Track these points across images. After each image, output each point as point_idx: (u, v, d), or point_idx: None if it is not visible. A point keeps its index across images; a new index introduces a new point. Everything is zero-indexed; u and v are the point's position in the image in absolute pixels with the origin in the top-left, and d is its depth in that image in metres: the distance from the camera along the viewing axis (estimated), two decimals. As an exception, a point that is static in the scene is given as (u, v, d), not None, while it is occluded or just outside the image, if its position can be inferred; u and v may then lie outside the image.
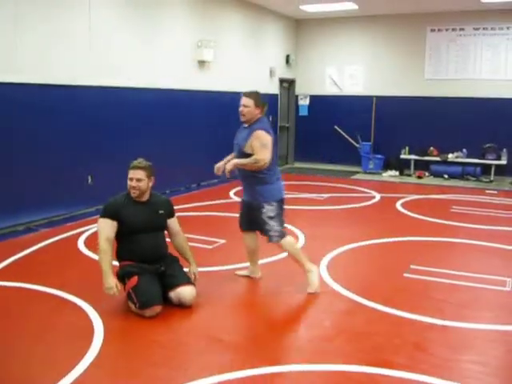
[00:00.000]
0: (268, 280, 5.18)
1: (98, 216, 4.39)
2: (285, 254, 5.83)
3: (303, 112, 14.01)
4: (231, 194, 9.48)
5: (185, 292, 4.35)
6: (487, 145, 11.96)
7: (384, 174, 12.57)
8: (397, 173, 12.58)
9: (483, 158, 12.02)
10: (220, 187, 10.16)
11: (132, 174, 4.40)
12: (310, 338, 3.98)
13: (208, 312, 4.35)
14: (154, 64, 8.87)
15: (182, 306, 4.36)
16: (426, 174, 12.40)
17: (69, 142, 7.45)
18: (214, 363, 3.52)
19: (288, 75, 13.64)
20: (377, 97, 13.05)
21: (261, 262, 5.58)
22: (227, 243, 6.31)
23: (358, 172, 12.84)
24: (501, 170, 11.92)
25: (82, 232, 6.69)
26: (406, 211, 8.36)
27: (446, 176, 12.14)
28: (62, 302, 4.47)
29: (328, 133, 13.35)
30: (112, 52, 8.03)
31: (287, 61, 13.43)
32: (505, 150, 11.86)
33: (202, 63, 10.06)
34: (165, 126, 9.22)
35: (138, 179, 4.37)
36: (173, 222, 4.66)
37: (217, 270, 5.35)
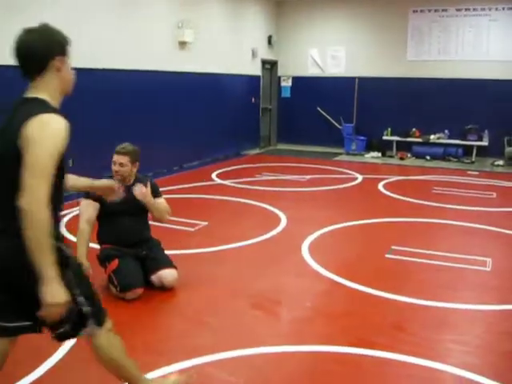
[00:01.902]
0: (250, 262, 5.18)
1: (81, 198, 4.35)
2: (263, 238, 5.86)
3: (285, 93, 13.95)
4: (213, 176, 9.45)
5: (166, 274, 4.33)
6: (469, 126, 12.02)
7: (366, 156, 12.59)
8: (379, 154, 12.60)
9: (465, 139, 12.08)
10: (202, 169, 10.12)
11: (116, 158, 4.34)
12: (292, 319, 4.00)
13: (189, 294, 4.34)
14: (133, 45, 8.74)
15: (164, 289, 4.34)
16: (408, 155, 12.43)
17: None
18: (195, 346, 3.52)
19: (270, 56, 13.56)
20: (359, 78, 13.02)
21: (241, 243, 5.60)
22: (209, 225, 6.29)
23: (340, 153, 12.84)
24: (482, 151, 11.98)
25: (64, 215, 6.63)
26: (387, 192, 8.39)
27: (427, 157, 12.18)
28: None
29: (310, 114, 13.32)
30: (90, 33, 7.90)
31: (269, 42, 13.34)
32: (486, 131, 11.92)
33: (182, 44, 9.95)
34: (146, 108, 9.13)
35: (121, 164, 4.31)
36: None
37: (199, 252, 5.34)
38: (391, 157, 12.50)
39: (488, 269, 5.07)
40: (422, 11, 12.45)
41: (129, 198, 4.28)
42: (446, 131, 12.33)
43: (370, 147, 12.81)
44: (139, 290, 4.19)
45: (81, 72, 8.02)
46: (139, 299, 4.18)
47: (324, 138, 13.31)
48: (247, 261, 5.21)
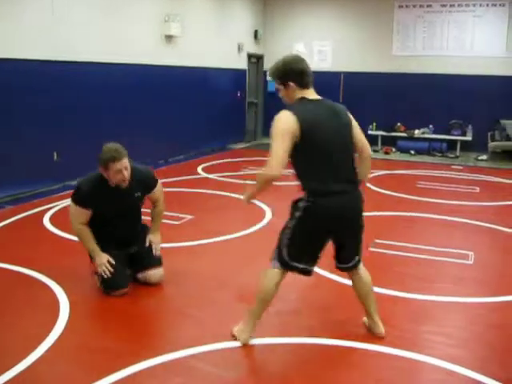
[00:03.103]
0: (235, 255, 5.21)
1: (70, 199, 4.15)
2: (248, 231, 5.88)
3: (272, 88, 13.88)
4: (199, 169, 9.46)
5: (151, 275, 4.31)
6: (453, 121, 12.13)
7: (351, 150, 12.62)
8: (364, 149, 12.64)
9: (449, 133, 12.19)
10: (187, 163, 10.12)
11: (119, 165, 3.88)
12: (277, 311, 4.02)
13: (175, 287, 4.36)
14: (119, 39, 8.71)
15: (149, 283, 4.36)
16: (393, 149, 12.52)
17: (33, 118, 7.31)
18: (180, 338, 3.54)
19: (256, 50, 13.56)
20: (344, 73, 13.07)
21: (226, 237, 5.63)
22: (195, 219, 6.30)
23: (326, 148, 12.85)
24: (466, 146, 12.10)
25: (48, 209, 6.61)
26: (372, 186, 8.44)
27: (412, 152, 12.27)
28: (26, 279, 4.43)
29: (296, 109, 13.31)
30: (76, 26, 7.86)
31: (255, 36, 13.34)
32: (470, 126, 12.04)
33: (169, 38, 9.93)
34: (131, 101, 9.11)
35: (126, 167, 3.94)
36: (152, 195, 4.39)
37: (185, 246, 5.36)
38: (376, 151, 12.53)
39: (470, 262, 5.14)
40: (407, 6, 12.52)
41: (124, 200, 4.16)
42: (431, 126, 12.43)
43: (355, 142, 12.83)
44: (123, 291, 4.16)
45: (66, 65, 8.07)
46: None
47: (309, 132, 13.31)
48: (232, 254, 5.23)
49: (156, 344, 3.47)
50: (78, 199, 4.05)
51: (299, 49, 13.50)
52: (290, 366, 3.30)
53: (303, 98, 3.27)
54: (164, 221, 6.04)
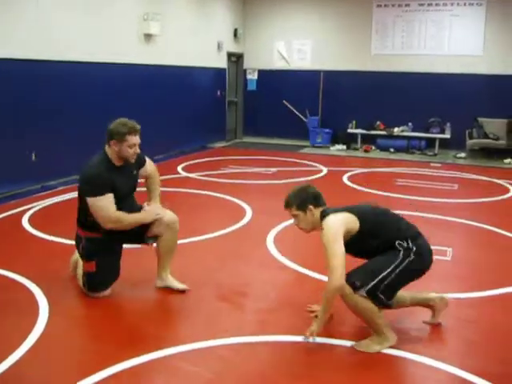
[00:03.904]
0: (215, 254, 5.21)
1: (87, 195, 3.85)
2: (228, 230, 5.89)
3: (251, 86, 13.98)
4: (179, 169, 9.44)
5: (166, 218, 4.14)
6: (431, 119, 12.24)
7: (332, 148, 12.71)
8: (344, 147, 12.74)
9: (428, 131, 12.30)
10: (168, 162, 10.09)
11: (136, 139, 3.91)
12: (257, 310, 4.04)
13: (154, 287, 4.34)
14: (97, 37, 8.65)
15: (128, 281, 4.34)
16: (373, 147, 12.60)
17: (11, 118, 7.24)
18: (160, 338, 3.54)
19: (236, 49, 13.56)
20: (324, 71, 13.12)
21: (206, 236, 5.63)
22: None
23: (306, 146, 12.93)
24: (445, 144, 12.21)
25: (27, 210, 6.56)
26: (352, 184, 8.51)
27: (391, 150, 12.37)
28: (5, 281, 4.39)
29: (276, 107, 13.36)
30: (55, 25, 7.80)
31: (235, 35, 13.33)
32: (448, 124, 12.15)
33: (148, 37, 9.90)
34: (110, 101, 9.04)
35: (139, 144, 3.96)
36: (144, 170, 4.30)
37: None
38: (356, 149, 12.64)
39: (448, 258, 5.20)
40: (385, 6, 12.60)
41: (128, 179, 4.08)
42: (410, 124, 12.52)
43: (335, 140, 12.93)
44: (105, 293, 4.13)
45: (44, 64, 8.00)
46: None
47: (290, 130, 13.38)
48: (212, 253, 5.23)
49: (137, 344, 3.46)
50: (97, 188, 3.81)
51: (279, 48, 13.55)
52: (270, 365, 3.31)
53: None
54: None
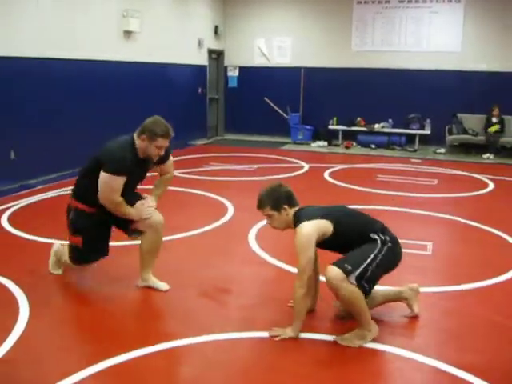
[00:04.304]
0: (197, 252, 5.21)
1: (105, 171, 3.79)
2: (210, 227, 5.89)
3: (232, 83, 13.97)
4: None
5: (152, 219, 4.14)
6: (411, 115, 12.32)
7: (313, 145, 12.75)
8: (325, 143, 12.78)
9: (408, 127, 12.39)
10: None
11: (166, 142, 3.94)
12: (240, 306, 4.05)
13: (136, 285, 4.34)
14: (77, 34, 8.59)
15: (109, 279, 4.33)
16: (354, 143, 12.66)
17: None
18: (143, 336, 3.54)
19: (217, 46, 13.54)
20: (305, 68, 13.16)
21: (188, 233, 5.63)
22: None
23: (287, 143, 12.96)
24: (425, 140, 12.32)
25: (6, 209, 6.49)
26: (333, 180, 8.55)
27: (372, 146, 12.44)
28: (-15, 280, 4.36)
29: (257, 104, 13.37)
30: (32, 21, 7.73)
31: (216, 32, 13.31)
32: (428, 120, 12.25)
33: (127, 33, 9.84)
34: (90, 98, 8.99)
35: (166, 147, 4.00)
36: (163, 166, 4.27)
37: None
38: (337, 146, 12.69)
39: (429, 253, 5.26)
40: (365, 2, 12.66)
41: (143, 171, 4.15)
42: (390, 120, 12.61)
43: (316, 136, 12.97)
44: (94, 263, 4.25)
45: (23, 61, 7.92)
46: (83, 290, 4.17)
47: (271, 127, 13.40)
48: (194, 250, 5.23)
49: (120, 342, 3.45)
50: (119, 168, 3.80)
51: (260, 45, 13.55)
52: (254, 361, 3.33)
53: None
54: (125, 218, 6.03)
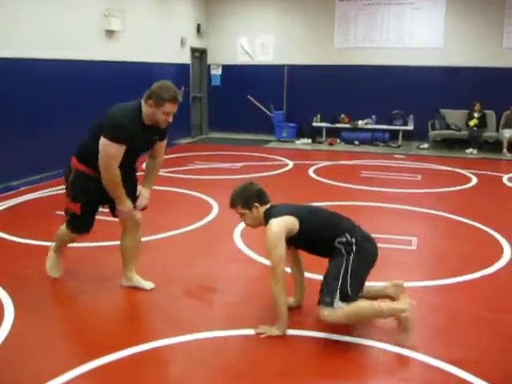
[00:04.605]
0: (182, 250, 5.19)
1: (105, 137, 3.67)
2: (195, 226, 5.88)
3: (215, 82, 13.94)
4: (144, 166, 9.34)
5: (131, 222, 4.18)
6: (395, 111, 12.38)
7: (297, 142, 12.77)
8: (309, 140, 12.80)
9: (391, 124, 12.44)
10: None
11: (173, 107, 3.76)
12: (225, 304, 4.04)
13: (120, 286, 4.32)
14: (58, 34, 8.51)
15: (94, 279, 4.30)
16: (338, 140, 12.70)
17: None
18: (128, 335, 3.52)
19: (199, 44, 13.51)
20: (288, 66, 13.16)
21: (173, 232, 5.60)
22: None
23: (271, 140, 12.97)
24: (408, 135, 12.38)
25: (-11, 210, 6.44)
26: (317, 177, 8.56)
27: (356, 142, 12.48)
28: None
29: (241, 102, 13.35)
30: (13, 21, 7.65)
31: (198, 30, 13.28)
32: (411, 115, 12.31)
33: (110, 33, 9.78)
34: (71, 99, 8.91)
35: (175, 113, 3.83)
36: (160, 144, 4.13)
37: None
38: (321, 143, 12.72)
39: (413, 248, 5.28)
40: (348, 0, 12.69)
41: (147, 140, 3.97)
42: (373, 117, 12.66)
43: (300, 134, 13.00)
44: (87, 233, 4.20)
45: (0, 62, 7.79)
46: (68, 291, 4.14)
47: (255, 125, 13.39)
48: (179, 249, 5.21)
49: (104, 342, 3.43)
50: (117, 135, 3.66)
51: (242, 43, 13.53)
52: (240, 359, 3.32)
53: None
54: (109, 218, 5.99)
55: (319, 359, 3.28)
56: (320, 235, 3.58)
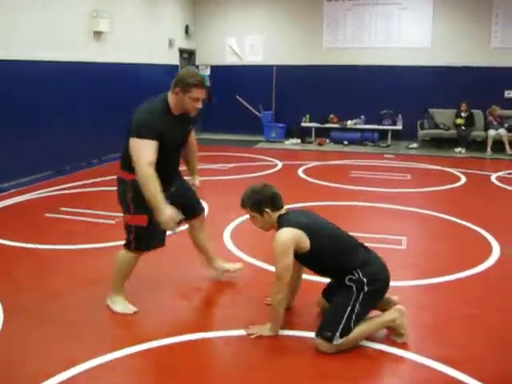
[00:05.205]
0: (172, 252, 5.17)
1: (135, 136, 3.53)
2: (184, 227, 5.86)
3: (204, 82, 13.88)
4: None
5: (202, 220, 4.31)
6: (383, 111, 12.42)
7: (286, 142, 12.78)
8: (298, 140, 12.82)
9: (380, 123, 12.48)
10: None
11: (201, 93, 3.62)
12: (216, 305, 4.05)
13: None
14: (46, 35, 8.47)
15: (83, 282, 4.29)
16: (327, 140, 12.72)
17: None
18: (118, 337, 3.51)
19: (188, 46, 13.49)
20: (277, 66, 13.17)
21: (170, 231, 5.57)
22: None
23: (260, 141, 12.97)
24: (397, 135, 12.42)
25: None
26: (307, 177, 8.57)
27: (345, 142, 12.51)
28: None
29: (230, 103, 13.35)
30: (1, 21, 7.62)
31: (186, 31, 13.27)
32: (400, 115, 12.36)
33: (98, 34, 9.75)
34: (60, 100, 8.88)
35: (203, 98, 3.69)
36: (191, 131, 4.12)
37: (120, 245, 5.26)
38: (310, 143, 12.74)
39: (403, 247, 5.30)
40: (336, 0, 12.70)
41: (182, 132, 3.89)
42: (362, 117, 12.69)
43: (289, 134, 13.01)
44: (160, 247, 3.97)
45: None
46: (58, 293, 4.12)
47: (244, 126, 13.39)
48: (170, 251, 5.15)
49: (93, 344, 3.41)
50: (148, 129, 3.50)
51: (231, 44, 13.53)
52: (231, 359, 3.33)
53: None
54: (99, 220, 5.98)
55: (310, 359, 3.28)
56: (330, 265, 3.47)
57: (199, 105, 3.65)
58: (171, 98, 3.67)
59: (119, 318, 3.83)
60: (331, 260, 3.43)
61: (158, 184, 3.44)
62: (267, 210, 3.48)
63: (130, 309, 3.88)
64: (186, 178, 4.20)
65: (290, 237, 3.32)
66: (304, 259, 3.48)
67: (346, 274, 3.39)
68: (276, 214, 3.51)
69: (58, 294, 4.17)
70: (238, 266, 4.51)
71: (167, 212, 3.45)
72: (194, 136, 4.19)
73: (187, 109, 3.67)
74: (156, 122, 3.55)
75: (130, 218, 3.74)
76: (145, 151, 3.47)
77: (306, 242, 3.36)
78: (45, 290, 4.28)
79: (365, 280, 3.35)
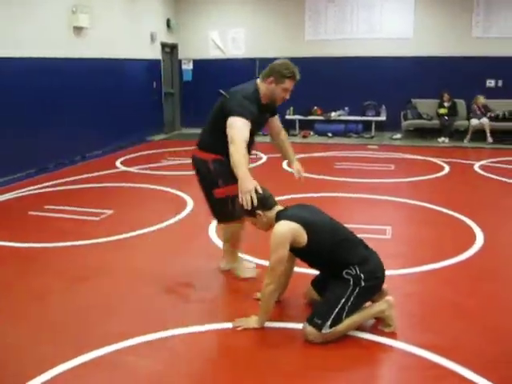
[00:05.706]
0: (158, 247, 5.16)
1: (235, 115, 3.77)
2: (170, 222, 5.85)
3: (187, 77, 13.86)
4: (118, 163, 9.29)
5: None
6: (367, 102, 12.45)
7: (271, 136, 12.73)
8: (283, 133, 12.77)
9: (364, 115, 12.51)
10: (106, 158, 9.92)
11: (290, 84, 3.95)
12: (203, 299, 4.02)
13: (98, 283, 4.28)
14: (24, 32, 8.37)
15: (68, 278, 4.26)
16: (311, 133, 12.73)
17: None
18: (107, 333, 3.48)
19: (170, 40, 13.41)
20: (260, 59, 13.13)
21: (148, 229, 5.57)
22: (115, 213, 6.19)
23: (245, 135, 12.90)
24: (381, 126, 12.46)
25: None
26: (291, 170, 8.54)
27: (329, 134, 12.52)
28: None
29: (213, 97, 13.17)
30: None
31: (168, 25, 13.19)
32: (383, 106, 12.39)
33: (78, 29, 9.65)
34: (40, 97, 8.77)
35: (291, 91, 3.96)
36: (275, 120, 4.37)
37: (106, 241, 5.24)
38: (294, 135, 12.72)
39: (388, 237, 5.32)
40: (317, -9, 12.69)
41: (263, 118, 4.15)
42: (346, 108, 12.71)
43: (273, 127, 12.95)
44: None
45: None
46: (45, 295, 4.09)
47: (228, 120, 13.31)
48: (155, 246, 5.18)
49: (81, 340, 3.39)
50: (245, 111, 3.78)
51: (213, 37, 13.47)
52: (219, 353, 3.33)
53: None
54: (83, 217, 5.95)
55: (297, 350, 3.28)
56: (326, 260, 3.47)
57: (287, 96, 3.94)
58: (262, 86, 3.95)
59: (103, 314, 3.80)
60: (329, 255, 3.43)
61: (247, 157, 3.74)
62: (258, 212, 3.52)
63: (253, 271, 4.37)
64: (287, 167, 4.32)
65: (287, 229, 3.34)
66: (300, 253, 3.49)
67: (343, 268, 3.39)
68: (271, 213, 3.55)
69: (41, 293, 4.12)
70: (250, 274, 4.40)
71: (254, 182, 3.62)
72: (280, 125, 4.48)
73: (276, 98, 3.95)
74: (252, 107, 3.82)
75: (222, 190, 4.00)
76: (244, 129, 3.73)
77: (303, 237, 3.36)
78: (29, 289, 4.24)
79: (362, 276, 3.37)
